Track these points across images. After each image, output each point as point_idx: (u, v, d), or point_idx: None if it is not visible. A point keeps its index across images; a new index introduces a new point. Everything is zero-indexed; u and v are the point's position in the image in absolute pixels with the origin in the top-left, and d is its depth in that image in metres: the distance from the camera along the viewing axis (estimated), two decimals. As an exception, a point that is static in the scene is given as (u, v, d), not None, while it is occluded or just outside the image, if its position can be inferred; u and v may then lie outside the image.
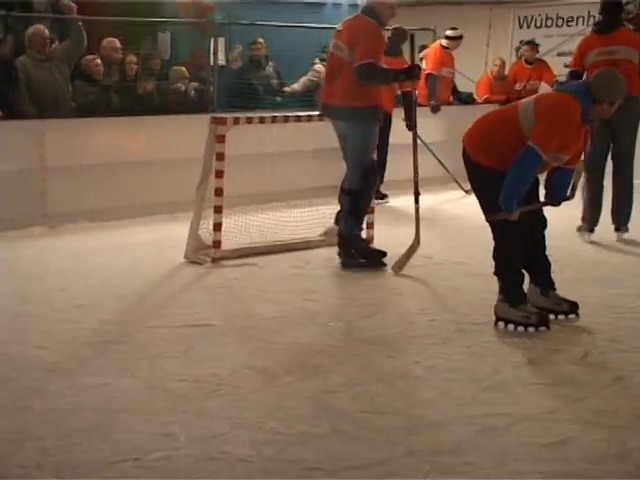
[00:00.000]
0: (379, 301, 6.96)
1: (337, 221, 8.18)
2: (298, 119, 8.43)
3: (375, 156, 7.94)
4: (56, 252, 8.30)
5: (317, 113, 8.30)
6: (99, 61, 10.24)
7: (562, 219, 9.91)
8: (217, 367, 5.34)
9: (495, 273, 6.19)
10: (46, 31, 9.72)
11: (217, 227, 7.90)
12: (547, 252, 8.15)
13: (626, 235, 8.85)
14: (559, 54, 13.63)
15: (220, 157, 7.80)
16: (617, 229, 8.90)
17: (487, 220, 6.13)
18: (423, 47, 13.20)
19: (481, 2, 15.00)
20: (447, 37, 12.77)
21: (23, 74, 9.49)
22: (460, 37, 12.72)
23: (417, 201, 7.96)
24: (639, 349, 5.72)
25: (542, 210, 6.27)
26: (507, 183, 5.82)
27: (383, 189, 10.38)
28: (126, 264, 7.86)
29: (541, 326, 6.00)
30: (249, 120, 8.14)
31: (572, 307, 6.28)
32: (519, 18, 15.00)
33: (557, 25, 14.19)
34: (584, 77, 8.57)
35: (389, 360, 5.55)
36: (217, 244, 7.92)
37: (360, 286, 7.38)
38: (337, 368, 5.39)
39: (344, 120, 7.74)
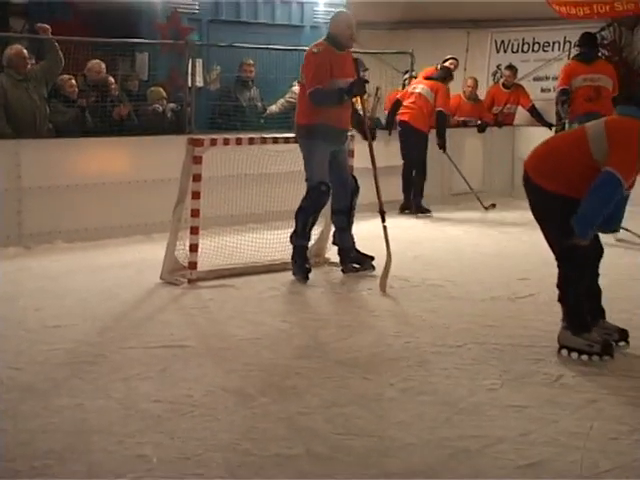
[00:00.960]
0: (355, 323, 6.95)
1: (334, 238, 8.58)
2: (275, 141, 8.45)
3: (324, 177, 8.06)
4: (31, 272, 8.27)
5: (294, 135, 8.37)
6: (74, 82, 10.24)
7: (536, 245, 10.02)
8: (192, 388, 5.33)
9: (559, 300, 6.14)
10: (24, 51, 9.73)
11: (193, 248, 7.89)
12: (522, 277, 8.26)
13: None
14: (535, 79, 13.74)
15: (197, 178, 7.80)
16: None
17: (552, 245, 6.09)
18: (406, 71, 13.27)
19: (459, 26, 15.09)
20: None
21: (0, 94, 9.47)
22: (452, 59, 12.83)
23: (383, 220, 8.13)
24: (612, 372, 5.75)
25: (599, 237, 6.19)
26: (586, 210, 5.71)
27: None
28: (102, 285, 7.83)
29: (605, 355, 5.94)
30: (226, 141, 8.15)
31: (622, 334, 6.24)
32: (496, 42, 15.12)
33: (534, 50, 14.30)
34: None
35: (364, 382, 5.55)
36: (193, 265, 7.91)
37: (336, 308, 7.40)
38: (312, 390, 5.38)
39: (298, 137, 8.20)
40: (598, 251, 6.15)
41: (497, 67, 14.58)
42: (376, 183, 8.15)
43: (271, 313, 7.10)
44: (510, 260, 9.17)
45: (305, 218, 8.11)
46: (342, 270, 8.38)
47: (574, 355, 5.99)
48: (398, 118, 12.01)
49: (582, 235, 5.77)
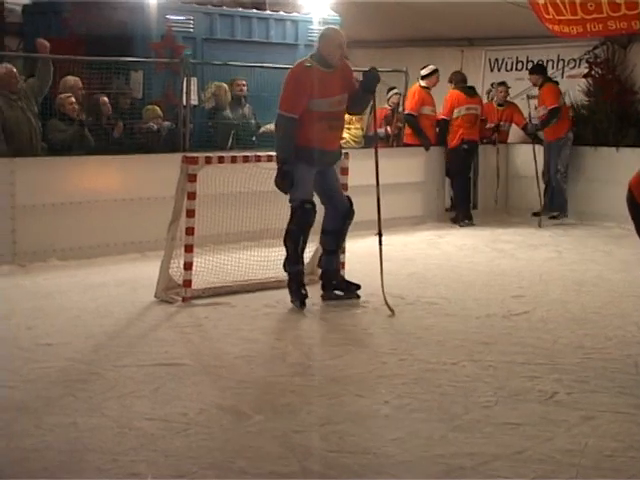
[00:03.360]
0: (349, 340, 6.94)
1: (319, 260, 8.28)
2: (270, 159, 8.44)
3: (307, 196, 7.83)
4: (25, 290, 8.25)
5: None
6: (73, 99, 10.26)
7: (530, 262, 10.04)
8: (186, 406, 5.31)
9: None
10: (14, 70, 9.74)
11: (188, 266, 7.88)
12: (516, 294, 8.26)
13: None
14: (529, 97, 13.75)
15: (191, 196, 7.80)
16: None
17: None
18: (391, 88, 13.31)
19: (453, 44, 15.14)
20: (423, 77, 12.88)
21: (-3, 114, 9.50)
22: (434, 71, 12.93)
23: (380, 241, 7.98)
24: (607, 389, 5.74)
25: None
26: None
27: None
28: (96, 303, 7.82)
29: None
30: (221, 159, 8.15)
31: None
32: (490, 60, 15.16)
33: (527, 68, 14.32)
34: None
35: (359, 399, 5.54)
36: (188, 283, 7.90)
37: (331, 325, 7.39)
38: (306, 407, 5.37)
39: None
40: None
41: (491, 85, 14.60)
42: (378, 202, 7.97)
43: (265, 331, 7.10)
44: (504, 277, 9.18)
45: (295, 240, 7.85)
46: (322, 296, 8.04)
47: None
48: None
49: None
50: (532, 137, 13.00)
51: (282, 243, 7.94)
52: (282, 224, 8.31)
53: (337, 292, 8.07)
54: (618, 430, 5.06)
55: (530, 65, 14.30)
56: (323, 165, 7.88)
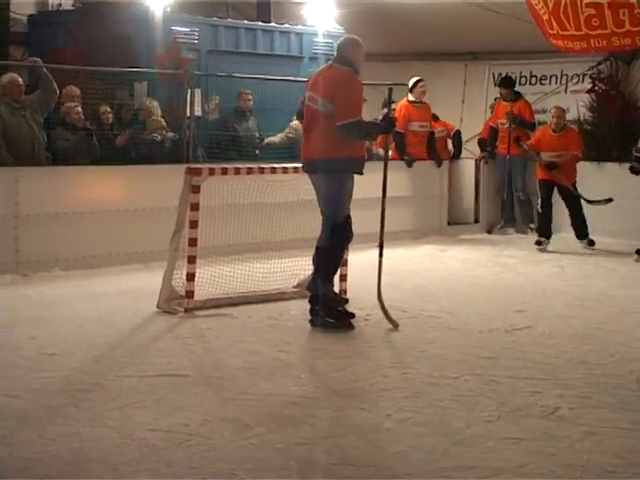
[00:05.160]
0: (352, 353, 6.94)
1: (313, 279, 7.89)
2: (273, 171, 8.46)
3: (348, 211, 7.67)
4: (28, 300, 8.26)
5: (293, 165, 8.35)
6: (79, 108, 10.29)
7: (533, 277, 10.05)
8: (188, 417, 5.31)
9: None
10: (19, 79, 9.77)
11: (190, 277, 7.89)
12: (519, 309, 8.26)
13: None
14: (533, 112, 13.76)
15: (195, 207, 7.82)
16: None
17: None
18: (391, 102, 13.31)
19: (456, 58, 15.17)
20: (410, 90, 12.88)
21: (-1, 122, 9.52)
22: (417, 82, 12.84)
23: (381, 254, 7.90)
24: (609, 405, 5.73)
25: None
26: None
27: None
28: (99, 313, 7.82)
29: None
30: (224, 171, 8.17)
31: None
32: (494, 75, 15.19)
33: (531, 83, 14.36)
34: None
35: (361, 412, 5.53)
36: (190, 294, 7.91)
37: (333, 338, 7.37)
38: (309, 420, 5.37)
39: (322, 173, 7.56)
40: None
41: (495, 100, 14.62)
42: (382, 219, 7.89)
43: (268, 342, 7.09)
44: (507, 292, 9.18)
45: (336, 258, 7.69)
46: (310, 321, 7.66)
47: None
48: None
49: None
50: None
51: (285, 255, 7.87)
52: (285, 236, 8.33)
53: (330, 320, 7.63)
54: (620, 446, 5.06)
55: (533, 80, 14.33)
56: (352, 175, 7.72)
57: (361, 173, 7.67)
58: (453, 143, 13.73)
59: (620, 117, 13.32)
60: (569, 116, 13.33)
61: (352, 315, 7.77)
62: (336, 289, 8.02)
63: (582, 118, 13.58)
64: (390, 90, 8.04)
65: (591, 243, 11.98)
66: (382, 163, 8.07)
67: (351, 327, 7.60)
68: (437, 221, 12.98)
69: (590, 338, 7.39)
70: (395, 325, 7.58)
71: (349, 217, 7.71)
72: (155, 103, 11.27)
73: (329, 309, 7.64)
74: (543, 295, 9.05)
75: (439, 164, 12.93)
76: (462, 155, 13.95)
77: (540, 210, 12.21)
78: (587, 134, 13.37)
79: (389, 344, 7.26)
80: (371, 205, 8.15)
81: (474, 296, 8.94)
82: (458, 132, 13.68)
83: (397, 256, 10.42)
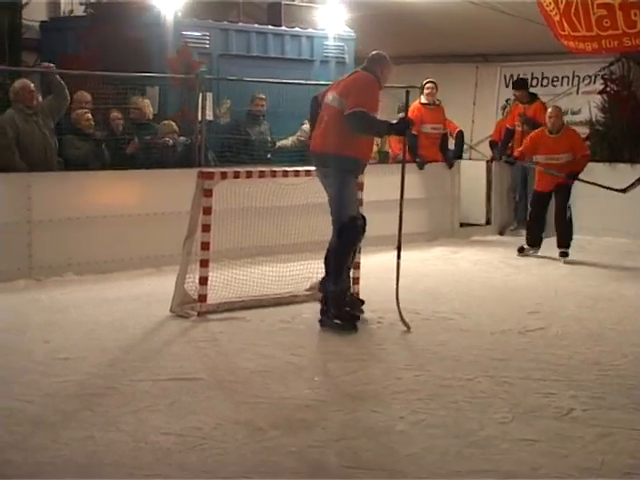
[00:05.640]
0: (364, 356, 6.94)
1: (323, 279, 7.97)
2: (285, 174, 8.46)
3: (357, 211, 7.77)
4: (41, 305, 8.28)
5: (304, 169, 8.36)
6: (90, 115, 10.32)
7: (545, 277, 10.04)
8: (201, 421, 5.32)
9: None
10: (32, 85, 9.80)
11: (203, 281, 7.90)
12: (532, 310, 8.25)
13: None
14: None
15: (207, 211, 7.83)
16: None
17: None
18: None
19: (468, 60, 15.17)
20: (421, 92, 12.88)
21: (12, 128, 9.53)
22: (427, 84, 12.85)
23: (399, 256, 7.92)
24: (623, 406, 5.72)
25: None
26: None
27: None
28: (112, 317, 7.84)
29: None
30: (236, 175, 8.18)
31: None
32: (505, 77, 15.18)
33: (542, 85, 14.34)
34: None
35: (374, 415, 5.53)
36: (203, 298, 7.92)
37: (345, 341, 7.37)
38: (322, 423, 5.37)
39: (324, 167, 7.72)
40: None
41: (506, 101, 14.61)
42: (400, 216, 7.92)
43: (281, 346, 7.09)
44: (520, 293, 9.17)
45: (343, 258, 7.73)
46: (319, 321, 7.72)
47: None
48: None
49: None
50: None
51: (298, 258, 7.89)
52: (298, 239, 8.32)
53: (337, 321, 7.66)
54: (635, 447, 5.04)
55: (545, 81, 14.31)
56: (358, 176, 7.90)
57: (356, 177, 7.81)
58: (455, 144, 13.58)
59: (632, 118, 13.28)
60: (581, 117, 13.34)
61: (357, 317, 7.78)
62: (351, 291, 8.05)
63: (594, 119, 13.55)
64: (407, 93, 8.12)
65: (564, 255, 11.09)
66: (397, 166, 8.09)
67: (354, 329, 7.59)
68: (449, 223, 12.97)
69: (603, 339, 7.38)
70: (408, 327, 7.58)
71: (358, 219, 7.73)
72: (147, 101, 11.29)
73: (337, 309, 7.66)
74: (556, 296, 9.04)
75: (450, 166, 12.92)
76: (467, 157, 13.88)
77: (530, 220, 11.59)
78: (599, 135, 13.35)
79: (402, 346, 7.25)
80: (385, 207, 8.16)
81: (486, 297, 8.93)
82: (460, 133, 13.48)
83: (410, 258, 10.32)
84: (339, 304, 7.71)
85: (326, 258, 7.85)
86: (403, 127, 7.89)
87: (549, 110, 11.64)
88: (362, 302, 8.13)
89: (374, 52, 8.02)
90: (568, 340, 7.31)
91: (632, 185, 10.99)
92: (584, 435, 5.20)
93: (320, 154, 7.79)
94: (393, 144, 12.89)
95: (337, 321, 7.65)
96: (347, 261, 7.81)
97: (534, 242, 11.43)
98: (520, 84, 13.41)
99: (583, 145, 11.61)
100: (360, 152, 7.75)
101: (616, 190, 11.17)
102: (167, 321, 7.79)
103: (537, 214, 11.41)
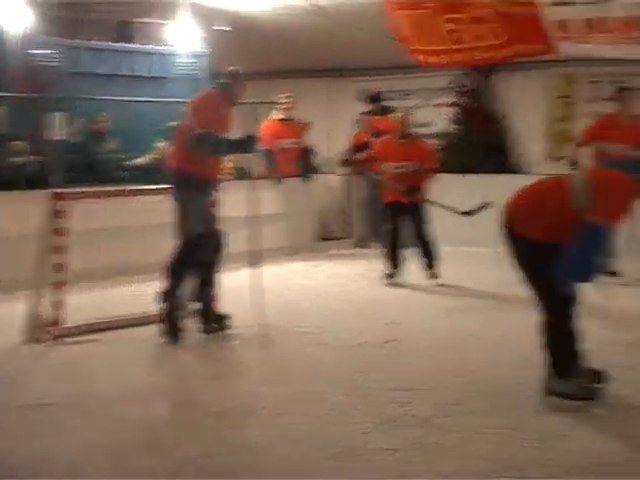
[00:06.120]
0: (224, 373, 6.91)
1: (194, 295, 8.06)
2: (135, 193, 8.36)
3: (201, 230, 7.76)
4: None
5: (156, 187, 8.29)
6: None
7: (403, 290, 10.15)
8: (59, 446, 5.18)
9: (543, 347, 5.99)
10: None
11: (57, 304, 7.71)
12: (388, 322, 8.29)
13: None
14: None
15: (60, 232, 7.66)
16: None
17: (537, 293, 5.94)
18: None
19: (323, 75, 15.27)
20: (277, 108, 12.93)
21: None
22: (284, 98, 12.95)
23: (258, 272, 7.97)
24: (481, 411, 5.79)
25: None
26: (573, 259, 5.66)
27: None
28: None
29: (590, 399, 5.92)
30: (88, 195, 8.04)
31: (601, 376, 6.02)
32: (360, 91, 15.32)
33: (396, 98, 14.53)
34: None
35: (234, 431, 5.50)
36: (58, 321, 7.73)
37: (206, 359, 7.34)
38: (184, 441, 5.29)
39: (173, 183, 7.80)
40: (576, 297, 5.98)
41: (361, 114, 14.76)
42: (256, 232, 7.98)
43: (139, 367, 6.99)
44: (377, 306, 9.26)
45: (180, 273, 7.80)
46: (203, 330, 7.93)
47: (564, 400, 5.90)
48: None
49: (565, 282, 5.77)
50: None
51: (155, 278, 7.81)
52: (154, 258, 8.21)
53: (213, 325, 7.96)
54: (494, 450, 5.12)
55: (398, 95, 14.54)
56: (210, 194, 7.91)
57: (209, 195, 7.84)
58: (305, 160, 13.43)
59: (482, 129, 13.62)
60: (434, 129, 13.58)
61: (179, 329, 7.79)
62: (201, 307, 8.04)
63: (446, 131, 13.84)
64: (254, 109, 8.12)
65: (433, 276, 10.57)
66: (258, 182, 8.11)
67: (174, 343, 7.62)
68: (309, 237, 13.03)
69: (459, 347, 7.49)
70: (268, 342, 7.55)
71: (204, 236, 7.76)
72: None
73: (166, 325, 7.71)
74: (412, 308, 9.16)
75: (306, 180, 12.96)
76: (325, 171, 13.97)
77: (388, 239, 10.79)
78: (453, 147, 13.64)
79: (262, 361, 7.23)
80: (244, 223, 8.14)
81: (344, 311, 8.99)
82: (307, 149, 13.39)
83: (271, 273, 10.36)
84: (173, 316, 7.74)
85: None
86: (248, 144, 7.95)
87: (398, 115, 11.17)
88: (227, 317, 8.07)
89: (227, 69, 8.04)
90: (423, 350, 7.41)
91: (477, 209, 10.50)
92: (444, 441, 5.26)
93: (170, 170, 7.87)
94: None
95: (214, 325, 7.87)
96: (186, 275, 7.83)
97: (396, 264, 10.71)
98: (373, 98, 13.61)
99: (432, 157, 10.89)
100: (207, 169, 7.77)
101: (461, 213, 10.70)
102: (21, 347, 7.56)
103: (393, 229, 10.74)
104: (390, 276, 10.57)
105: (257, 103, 9.66)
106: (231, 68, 8.06)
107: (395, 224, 10.67)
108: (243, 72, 7.98)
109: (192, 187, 7.70)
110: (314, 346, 7.55)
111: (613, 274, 9.52)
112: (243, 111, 9.88)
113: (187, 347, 7.61)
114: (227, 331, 7.96)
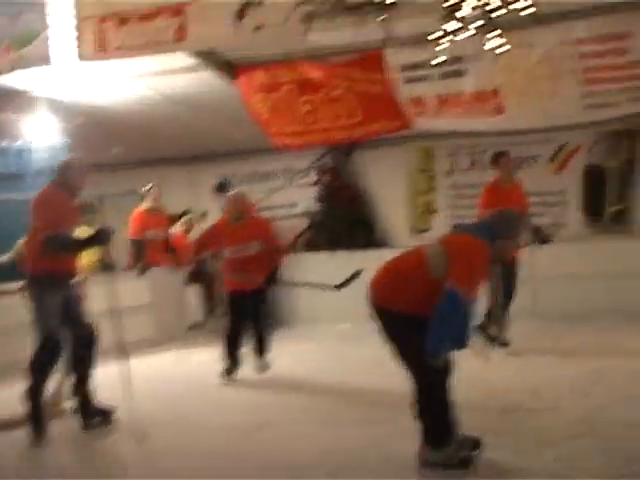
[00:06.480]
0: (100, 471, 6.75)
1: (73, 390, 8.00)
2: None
3: (52, 329, 7.64)
4: None
5: (16, 286, 8.14)
6: None
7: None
8: None
9: (417, 417, 6.06)
10: None
11: None
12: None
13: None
14: (261, 209, 13.99)
15: None
16: None
17: (406, 365, 6.03)
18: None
19: (181, 163, 15.25)
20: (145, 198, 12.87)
21: None
22: (151, 188, 12.89)
23: (126, 364, 7.79)
24: None
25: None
26: (434, 329, 5.75)
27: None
28: None
29: (464, 468, 5.98)
30: None
31: (476, 444, 6.17)
32: (218, 177, 15.29)
33: (257, 181, 14.61)
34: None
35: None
36: None
37: (81, 459, 7.12)
38: None
39: (26, 283, 7.74)
40: (449, 367, 6.12)
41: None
42: (116, 325, 7.82)
43: (4, 471, 6.74)
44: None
45: (41, 371, 7.63)
46: (84, 426, 7.85)
47: (437, 470, 5.96)
48: None
49: (434, 354, 5.83)
50: None
51: (25, 373, 7.61)
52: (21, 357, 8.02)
53: (95, 419, 7.87)
54: None
55: (260, 178, 14.63)
56: (65, 289, 7.75)
57: (62, 291, 7.69)
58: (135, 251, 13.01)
59: (347, 206, 13.79)
60: (298, 209, 13.67)
61: (110, 411, 7.80)
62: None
63: (312, 210, 13.95)
64: (93, 203, 8.28)
65: (265, 367, 10.02)
66: (123, 273, 8.02)
67: (40, 439, 7.51)
68: (177, 326, 12.81)
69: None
70: (142, 439, 7.37)
71: (50, 339, 7.62)
72: None
73: (32, 423, 7.56)
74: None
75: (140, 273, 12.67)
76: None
77: (227, 333, 9.95)
78: (319, 225, 13.75)
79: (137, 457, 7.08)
80: (112, 315, 8.02)
81: (218, 399, 8.86)
82: (138, 241, 12.84)
83: (139, 364, 10.13)
84: (38, 414, 7.58)
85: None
86: (100, 239, 7.78)
87: (229, 196, 10.37)
88: (109, 411, 7.94)
89: (63, 159, 8.00)
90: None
91: (346, 282, 9.98)
92: None
93: (24, 269, 7.85)
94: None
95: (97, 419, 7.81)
96: (47, 372, 7.67)
97: (234, 361, 9.89)
98: (220, 187, 13.28)
99: (275, 236, 10.10)
100: (61, 265, 7.67)
101: (334, 287, 10.06)
102: None
103: (233, 322, 9.89)
104: (228, 372, 9.83)
105: (115, 195, 9.58)
106: (67, 158, 8.01)
107: (236, 315, 9.86)
108: (103, 163, 7.90)
109: (43, 285, 7.58)
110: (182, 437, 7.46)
111: (504, 345, 9.76)
112: (108, 202, 9.85)
113: (58, 448, 7.43)
114: (108, 425, 7.83)
